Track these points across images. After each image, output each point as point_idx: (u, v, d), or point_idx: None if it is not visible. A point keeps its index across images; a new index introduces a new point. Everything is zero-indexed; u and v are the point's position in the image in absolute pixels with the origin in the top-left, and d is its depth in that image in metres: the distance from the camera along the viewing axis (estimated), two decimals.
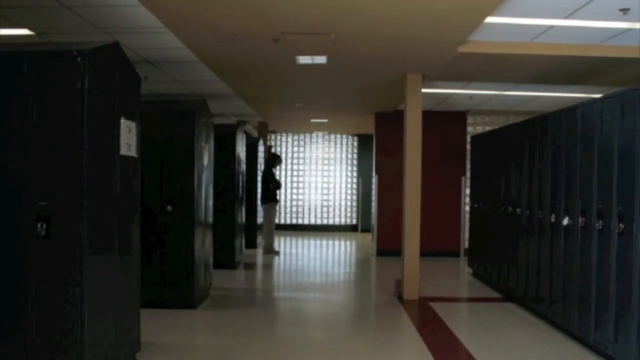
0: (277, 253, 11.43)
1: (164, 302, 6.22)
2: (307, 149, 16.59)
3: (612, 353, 4.49)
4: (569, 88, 8.53)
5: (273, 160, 11.73)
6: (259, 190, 11.72)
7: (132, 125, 4.21)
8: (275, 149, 16.45)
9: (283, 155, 16.57)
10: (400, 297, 7.29)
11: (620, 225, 4.39)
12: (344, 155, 16.59)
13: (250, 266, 10.01)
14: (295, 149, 16.57)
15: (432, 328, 5.98)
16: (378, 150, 11.69)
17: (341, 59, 6.69)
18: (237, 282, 8.56)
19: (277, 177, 11.76)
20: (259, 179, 11.79)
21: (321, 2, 4.78)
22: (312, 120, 13.35)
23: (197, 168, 6.37)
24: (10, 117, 3.59)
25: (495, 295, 7.54)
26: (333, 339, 5.65)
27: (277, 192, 11.53)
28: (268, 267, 10.30)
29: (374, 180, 11.72)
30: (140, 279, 4.51)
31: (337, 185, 16.58)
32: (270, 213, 11.37)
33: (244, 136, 10.46)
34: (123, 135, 4.06)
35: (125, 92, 4.13)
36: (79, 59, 3.52)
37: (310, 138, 16.55)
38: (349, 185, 16.60)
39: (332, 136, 16.52)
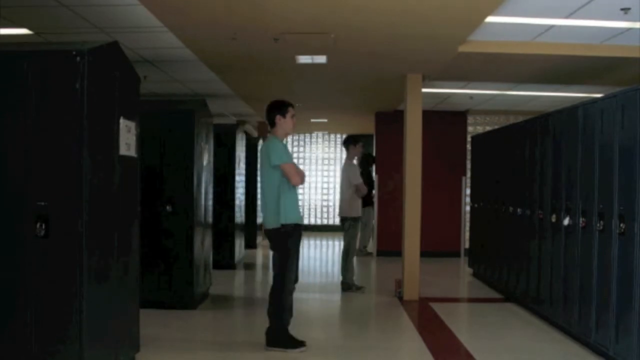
0: (371, 254, 11.40)
1: (163, 302, 6.20)
2: (307, 149, 16.58)
3: (613, 354, 4.48)
4: (570, 88, 8.52)
5: (368, 159, 11.49)
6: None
7: (132, 125, 4.19)
8: None
9: None
10: (400, 298, 7.28)
11: (621, 225, 4.37)
12: (344, 155, 16.52)
13: (250, 266, 10.00)
14: (295, 149, 16.56)
15: (432, 328, 5.97)
16: (378, 150, 11.68)
17: (341, 59, 6.68)
18: (236, 283, 8.55)
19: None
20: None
21: (321, 2, 4.77)
22: (312, 120, 13.34)
23: (196, 168, 6.35)
24: (10, 116, 3.58)
25: (496, 295, 7.53)
26: (333, 339, 5.64)
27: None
28: (268, 267, 10.28)
29: (374, 180, 11.70)
30: (139, 279, 4.50)
31: (337, 186, 16.51)
32: (369, 217, 11.24)
33: (244, 136, 10.45)
34: (122, 135, 4.05)
35: (124, 91, 4.11)
36: (78, 58, 3.51)
37: (310, 138, 16.54)
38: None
39: (332, 136, 16.51)
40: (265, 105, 5.22)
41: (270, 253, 5.07)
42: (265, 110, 5.13)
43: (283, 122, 5.01)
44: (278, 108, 5.04)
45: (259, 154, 5.06)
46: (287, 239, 4.88)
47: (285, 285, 4.91)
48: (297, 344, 4.93)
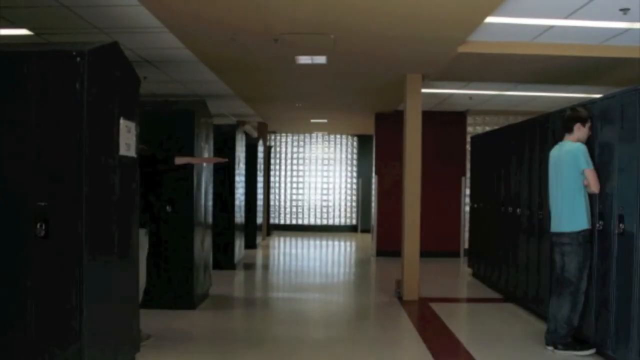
0: None
1: (163, 302, 6.21)
2: (307, 149, 16.59)
3: (612, 353, 4.49)
4: (569, 88, 8.52)
5: None
6: None
7: (132, 125, 4.20)
8: (275, 149, 16.43)
9: (282, 156, 16.56)
10: (400, 298, 7.28)
11: (621, 225, 4.38)
12: (343, 156, 16.58)
13: (250, 267, 10.00)
14: (295, 149, 16.57)
15: (432, 328, 5.97)
16: (378, 150, 11.68)
17: (341, 59, 6.69)
18: (236, 283, 8.55)
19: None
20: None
21: (321, 2, 4.78)
22: (312, 121, 13.35)
23: (196, 168, 6.36)
24: (10, 117, 3.58)
25: (495, 295, 7.53)
26: (333, 339, 5.64)
27: None
28: (267, 267, 10.29)
29: (374, 180, 11.72)
30: (139, 279, 4.51)
31: (337, 186, 16.57)
32: None
33: (244, 136, 10.46)
34: (122, 136, 4.05)
35: (124, 92, 4.12)
36: (78, 59, 3.51)
37: (310, 138, 16.56)
38: (348, 186, 16.60)
39: (332, 136, 16.52)
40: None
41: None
42: (567, 116, 5.13)
43: (582, 131, 5.03)
44: (582, 116, 5.03)
45: (556, 157, 5.05)
46: (586, 242, 4.89)
47: (581, 288, 4.89)
48: (586, 346, 4.90)
